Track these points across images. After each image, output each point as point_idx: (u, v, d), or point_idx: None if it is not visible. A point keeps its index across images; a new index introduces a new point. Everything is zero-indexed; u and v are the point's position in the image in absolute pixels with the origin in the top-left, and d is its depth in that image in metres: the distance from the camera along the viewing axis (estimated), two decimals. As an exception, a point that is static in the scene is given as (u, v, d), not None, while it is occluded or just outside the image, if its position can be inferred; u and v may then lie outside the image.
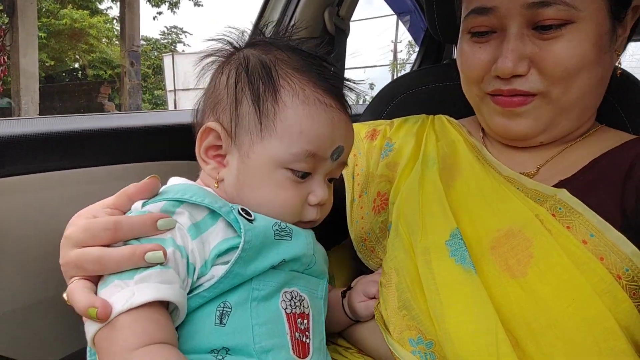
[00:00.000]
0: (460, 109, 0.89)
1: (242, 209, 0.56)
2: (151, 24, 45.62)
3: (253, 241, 0.53)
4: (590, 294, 0.54)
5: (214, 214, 0.54)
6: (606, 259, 0.56)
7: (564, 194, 0.62)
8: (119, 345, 0.45)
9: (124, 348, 0.45)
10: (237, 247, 0.53)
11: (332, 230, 0.82)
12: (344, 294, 0.75)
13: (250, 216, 0.56)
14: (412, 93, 1.14)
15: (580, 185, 0.65)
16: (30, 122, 0.96)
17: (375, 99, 1.20)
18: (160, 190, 0.56)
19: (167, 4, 14.59)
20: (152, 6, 14.48)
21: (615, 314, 0.54)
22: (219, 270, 0.53)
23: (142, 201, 0.54)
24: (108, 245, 0.50)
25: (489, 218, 0.64)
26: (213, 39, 0.62)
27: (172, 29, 19.48)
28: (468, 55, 0.70)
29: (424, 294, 0.62)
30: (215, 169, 0.60)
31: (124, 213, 0.54)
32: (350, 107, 0.63)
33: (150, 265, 0.48)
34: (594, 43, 0.62)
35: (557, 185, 0.66)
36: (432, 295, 0.61)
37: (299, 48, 0.62)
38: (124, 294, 0.46)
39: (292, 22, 1.18)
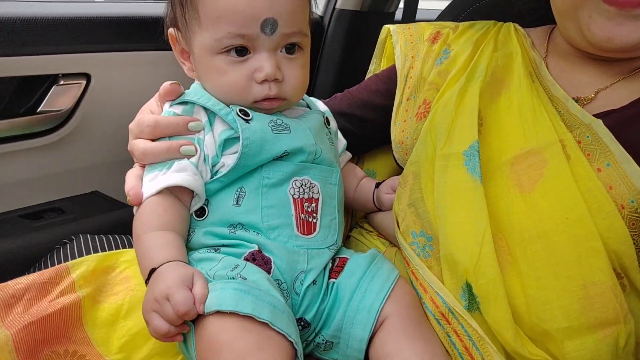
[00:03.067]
0: (541, 21, 0.83)
1: (240, 110, 0.63)
2: None
3: (251, 137, 0.61)
4: (585, 216, 0.57)
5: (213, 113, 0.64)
6: (615, 188, 0.58)
7: (597, 124, 0.62)
8: (136, 228, 0.60)
9: (138, 231, 0.60)
10: (235, 137, 0.62)
11: (381, 129, 0.86)
12: (377, 185, 0.83)
13: (248, 116, 0.63)
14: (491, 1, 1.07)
15: (622, 117, 0.63)
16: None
17: (453, 3, 1.15)
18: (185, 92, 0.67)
19: None
20: None
21: (606, 238, 0.56)
22: (228, 160, 0.63)
23: (170, 101, 0.66)
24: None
25: (518, 136, 0.66)
26: None
27: None
28: None
29: (433, 196, 0.68)
30: (190, 68, 0.69)
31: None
32: None
33: (183, 158, 0.61)
34: None
35: (600, 114, 0.65)
36: (441, 196, 0.66)
37: None
38: (151, 184, 0.60)
39: None
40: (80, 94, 1.05)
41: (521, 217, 0.61)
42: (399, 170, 0.90)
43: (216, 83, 0.64)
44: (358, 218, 0.93)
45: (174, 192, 0.62)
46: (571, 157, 0.61)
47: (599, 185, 0.58)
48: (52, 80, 1.02)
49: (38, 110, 1.02)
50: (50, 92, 1.02)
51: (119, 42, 1.07)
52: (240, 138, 0.61)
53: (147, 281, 0.56)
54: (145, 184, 0.62)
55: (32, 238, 1.00)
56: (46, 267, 0.79)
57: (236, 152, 0.62)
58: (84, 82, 1.05)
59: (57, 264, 0.75)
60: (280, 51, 0.64)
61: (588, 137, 0.62)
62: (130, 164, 0.66)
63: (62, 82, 1.03)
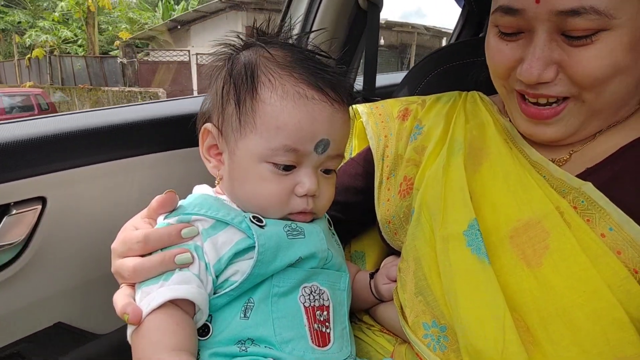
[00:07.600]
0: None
1: (254, 217, 0.60)
2: None
3: (267, 244, 0.58)
4: (601, 286, 0.55)
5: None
6: (623, 253, 0.56)
7: (588, 187, 0.61)
8: (144, 349, 0.52)
9: (147, 353, 0.52)
10: (249, 247, 0.58)
11: (366, 211, 0.84)
12: (371, 276, 0.79)
13: (262, 222, 0.60)
14: (448, 68, 1.11)
15: (606, 176, 0.63)
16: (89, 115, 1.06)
17: (411, 73, 1.18)
18: (180, 203, 0.62)
19: None
20: None
21: (627, 307, 0.54)
22: (244, 266, 0.58)
23: (164, 214, 0.61)
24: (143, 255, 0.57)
25: (511, 207, 0.65)
26: (218, 44, 0.66)
27: None
28: (494, 51, 0.67)
29: (441, 281, 0.64)
30: (216, 167, 0.66)
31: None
32: (343, 98, 0.63)
33: (180, 268, 0.55)
34: (631, 48, 0.57)
35: (583, 174, 0.64)
36: (448, 282, 0.63)
37: (291, 44, 0.65)
38: (148, 299, 0.53)
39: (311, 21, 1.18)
40: (35, 220, 0.97)
41: (535, 295, 0.58)
42: (386, 248, 0.87)
43: (253, 189, 0.62)
44: (353, 310, 0.87)
45: (178, 308, 0.55)
46: (571, 224, 0.60)
47: (607, 251, 0.57)
48: (1, 211, 0.94)
49: (-14, 248, 0.92)
50: (1, 225, 0.93)
51: (77, 158, 1.01)
52: (256, 245, 0.57)
53: None
54: (141, 300, 0.54)
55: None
56: None
57: (251, 259, 0.58)
58: (39, 207, 0.97)
59: None
60: (320, 170, 0.65)
61: (583, 202, 0.61)
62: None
63: (13, 212, 0.94)
